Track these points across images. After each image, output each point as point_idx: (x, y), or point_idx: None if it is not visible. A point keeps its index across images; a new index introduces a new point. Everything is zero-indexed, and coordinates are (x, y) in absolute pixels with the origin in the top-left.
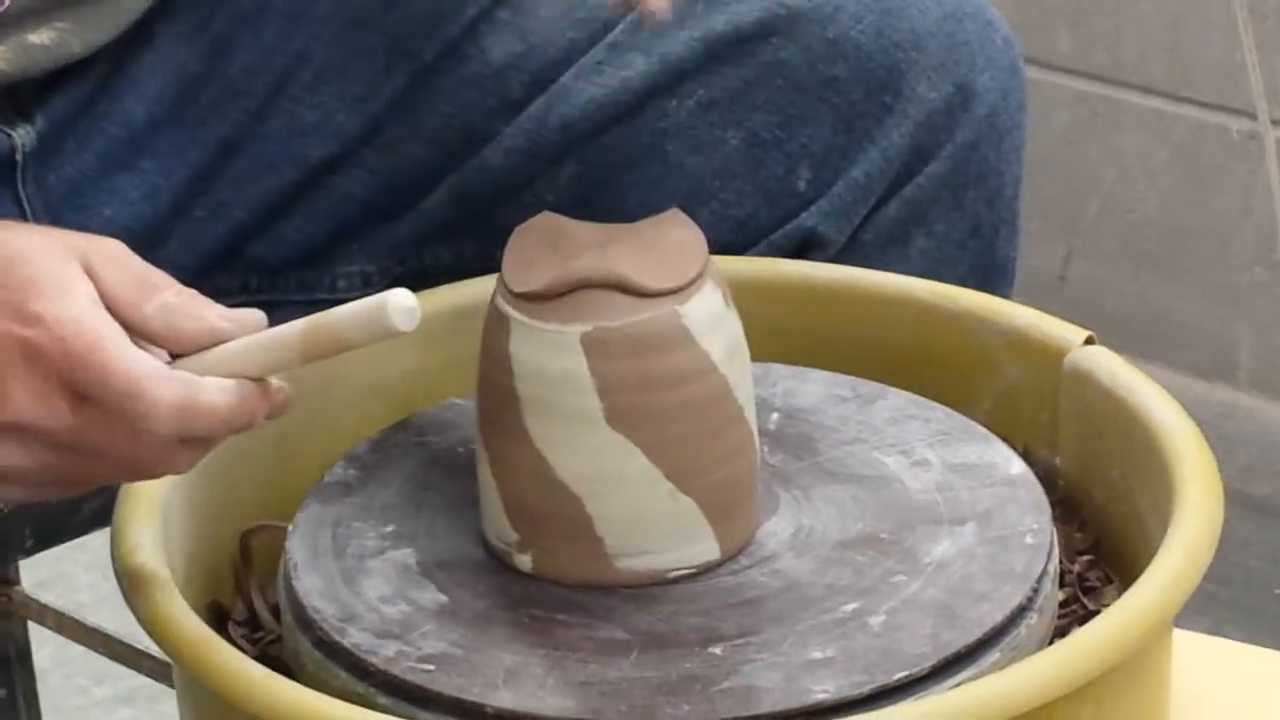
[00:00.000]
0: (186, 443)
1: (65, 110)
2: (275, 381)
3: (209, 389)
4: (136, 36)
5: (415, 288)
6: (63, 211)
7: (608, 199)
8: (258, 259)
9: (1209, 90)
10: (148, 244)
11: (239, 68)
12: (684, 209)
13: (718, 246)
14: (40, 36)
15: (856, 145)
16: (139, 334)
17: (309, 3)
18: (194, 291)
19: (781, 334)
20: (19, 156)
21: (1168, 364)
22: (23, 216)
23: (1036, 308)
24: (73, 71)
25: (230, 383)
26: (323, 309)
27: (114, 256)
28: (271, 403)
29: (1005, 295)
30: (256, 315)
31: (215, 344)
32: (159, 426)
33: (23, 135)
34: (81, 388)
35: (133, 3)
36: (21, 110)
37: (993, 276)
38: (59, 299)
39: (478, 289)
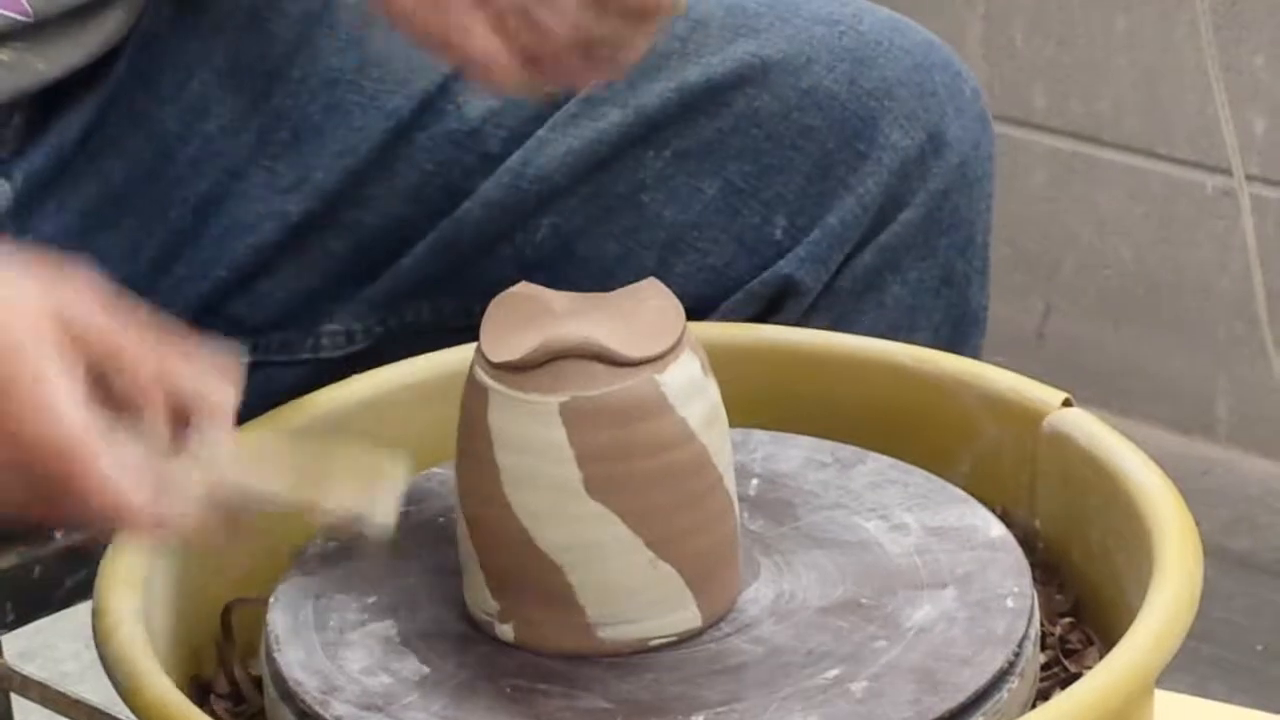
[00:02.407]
0: None
1: (43, 170)
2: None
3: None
4: (114, 98)
5: (396, 345)
6: None
7: (586, 250)
8: (239, 318)
9: (1184, 147)
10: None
11: (217, 127)
12: (661, 259)
13: (696, 296)
14: (4, 51)
15: (832, 193)
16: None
17: (285, 62)
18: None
19: (760, 400)
20: None
21: (1146, 419)
22: None
23: (1015, 364)
24: (50, 129)
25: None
26: (306, 368)
27: (88, 308)
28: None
29: (978, 343)
30: None
31: None
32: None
33: (0, 195)
34: (60, 495)
35: (104, 27)
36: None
37: (966, 325)
38: (37, 413)
39: (455, 358)
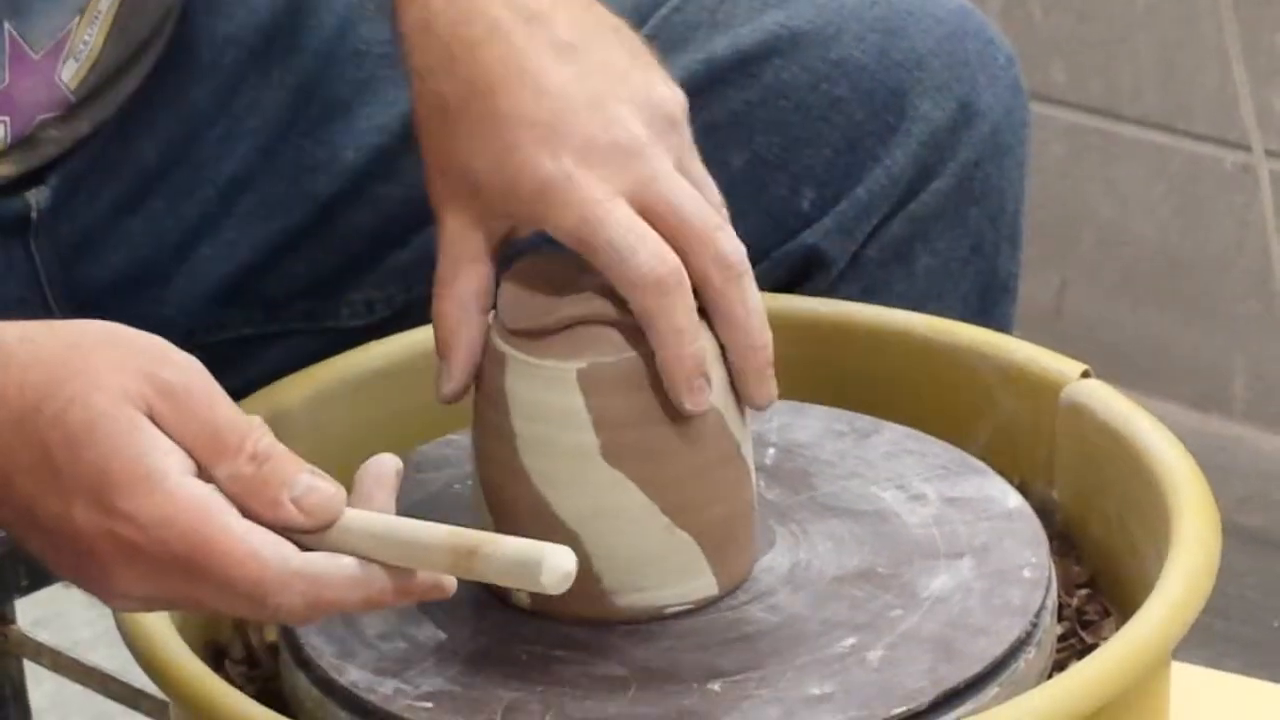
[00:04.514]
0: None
1: (80, 167)
2: (428, 578)
3: (334, 583)
4: (149, 82)
5: (419, 314)
6: (73, 261)
7: None
8: (263, 295)
9: (1203, 123)
10: (151, 285)
11: (247, 104)
12: None
13: None
14: (47, 133)
15: (860, 165)
16: None
17: (314, 38)
18: (270, 450)
19: (778, 369)
20: (33, 214)
21: (1163, 395)
22: (32, 269)
23: (1032, 339)
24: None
25: (359, 574)
26: (327, 337)
27: (180, 397)
28: (411, 594)
29: (1008, 312)
30: (337, 500)
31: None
32: (285, 621)
33: (37, 195)
34: (194, 574)
35: (132, 81)
36: (38, 176)
37: (995, 293)
38: (143, 494)
39: None
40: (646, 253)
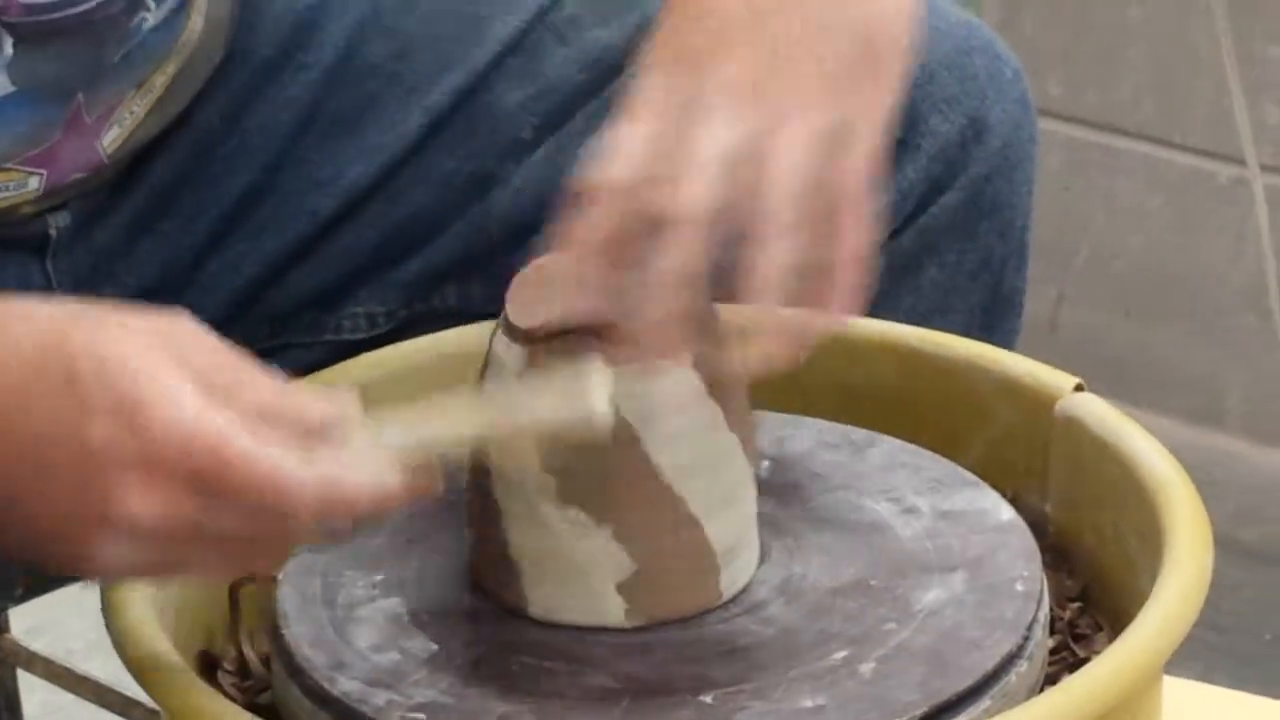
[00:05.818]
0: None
1: (98, 191)
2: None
3: (349, 477)
4: (161, 103)
5: (421, 329)
6: (88, 281)
7: None
8: (267, 309)
9: (1198, 136)
10: (162, 303)
11: (255, 122)
12: None
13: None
14: (74, 182)
15: None
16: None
17: (321, 54)
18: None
19: (772, 382)
20: (52, 234)
21: (1158, 409)
22: (49, 289)
23: (1026, 352)
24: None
25: (374, 464)
26: (328, 350)
27: (196, 341)
28: (418, 491)
29: (1013, 327)
30: (357, 399)
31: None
32: (300, 518)
33: (57, 218)
34: (210, 488)
35: (160, 150)
36: (60, 203)
37: (1001, 308)
38: (169, 404)
39: (470, 335)
40: (619, 162)
